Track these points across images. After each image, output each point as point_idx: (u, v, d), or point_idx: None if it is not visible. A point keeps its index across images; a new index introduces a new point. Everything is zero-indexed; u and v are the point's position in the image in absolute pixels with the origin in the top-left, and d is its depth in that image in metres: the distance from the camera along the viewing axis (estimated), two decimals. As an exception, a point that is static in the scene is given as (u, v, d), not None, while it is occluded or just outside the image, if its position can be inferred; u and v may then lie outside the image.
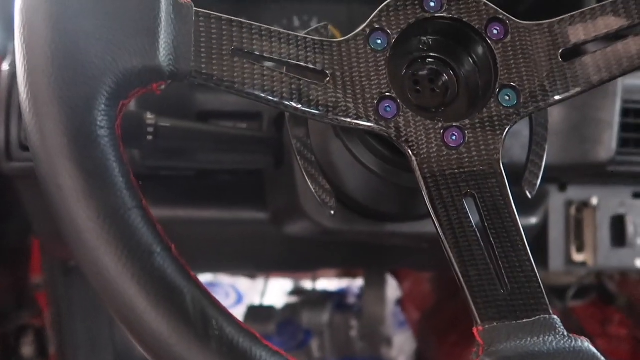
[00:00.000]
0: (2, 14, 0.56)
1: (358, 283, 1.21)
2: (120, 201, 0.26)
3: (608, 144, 0.53)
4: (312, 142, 0.38)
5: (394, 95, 0.32)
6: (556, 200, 0.62)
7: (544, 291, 0.29)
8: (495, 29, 0.33)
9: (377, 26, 0.32)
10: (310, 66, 0.31)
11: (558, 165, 0.52)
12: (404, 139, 0.31)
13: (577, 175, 0.60)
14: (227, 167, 0.53)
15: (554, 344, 0.27)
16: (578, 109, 0.53)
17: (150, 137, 0.44)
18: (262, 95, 0.30)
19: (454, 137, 0.31)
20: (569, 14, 0.33)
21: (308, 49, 0.31)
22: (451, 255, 0.29)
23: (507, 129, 0.32)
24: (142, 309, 0.25)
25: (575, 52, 0.34)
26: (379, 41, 0.32)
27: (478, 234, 0.30)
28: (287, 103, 0.31)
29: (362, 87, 0.31)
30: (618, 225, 0.63)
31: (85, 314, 0.76)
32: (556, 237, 0.63)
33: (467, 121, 0.32)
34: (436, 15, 0.33)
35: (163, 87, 0.29)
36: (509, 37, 0.33)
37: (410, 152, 0.31)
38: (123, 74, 0.27)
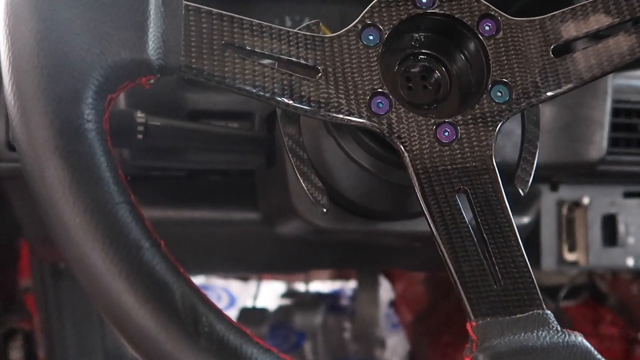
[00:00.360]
0: None
1: (351, 285, 1.21)
2: (107, 196, 0.25)
3: (599, 144, 0.53)
4: (304, 140, 0.38)
5: (386, 91, 0.31)
6: (548, 200, 0.62)
7: (537, 287, 0.29)
8: (487, 25, 0.33)
9: (369, 22, 0.32)
10: (302, 62, 0.31)
11: (549, 165, 0.52)
12: (396, 135, 0.31)
13: (568, 174, 0.60)
14: (218, 166, 0.53)
15: (547, 338, 0.27)
16: (569, 108, 0.53)
17: (140, 136, 0.44)
18: (253, 90, 0.30)
19: (446, 133, 0.31)
20: (560, 11, 0.33)
21: (300, 45, 0.31)
22: (444, 251, 0.29)
23: (499, 125, 0.32)
24: (130, 306, 0.25)
25: (566, 48, 0.34)
26: (371, 37, 0.32)
27: (471, 230, 0.30)
28: (278, 99, 0.31)
29: (354, 83, 0.31)
30: (609, 225, 0.64)
31: (75, 317, 0.75)
32: (548, 236, 0.63)
33: (459, 117, 0.32)
34: (428, 11, 0.33)
35: (152, 81, 0.28)
36: (501, 33, 0.33)
37: (403, 148, 0.31)
38: (111, 67, 0.27)
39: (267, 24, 0.31)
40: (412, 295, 1.12)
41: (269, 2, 0.56)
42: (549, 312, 0.28)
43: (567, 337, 0.27)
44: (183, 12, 0.29)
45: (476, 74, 0.33)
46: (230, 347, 0.25)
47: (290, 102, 0.31)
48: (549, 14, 0.33)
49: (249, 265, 0.72)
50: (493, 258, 0.29)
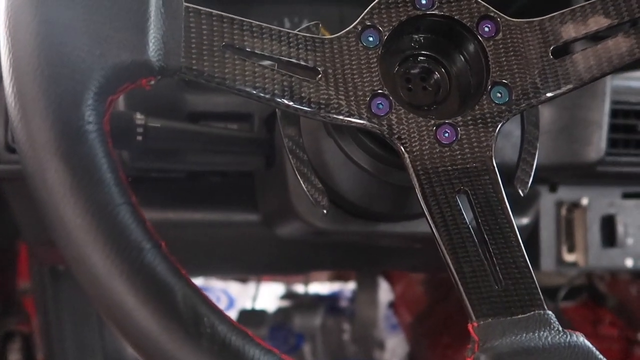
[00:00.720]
0: None
1: (350, 286, 1.21)
2: (108, 197, 0.25)
3: (597, 145, 0.53)
4: (304, 141, 0.38)
5: (386, 92, 0.31)
6: (547, 201, 0.63)
7: (538, 287, 0.29)
8: (487, 27, 0.33)
9: (368, 23, 0.32)
10: (302, 63, 0.31)
11: (548, 166, 0.52)
12: (396, 136, 0.31)
13: (567, 175, 0.60)
14: (218, 168, 0.53)
15: (549, 339, 0.27)
16: (567, 110, 0.53)
17: (139, 138, 0.44)
18: (254, 92, 0.30)
19: (446, 134, 0.31)
20: (560, 12, 0.34)
21: (300, 46, 0.31)
22: (445, 251, 0.29)
23: (499, 126, 0.32)
24: (131, 307, 0.25)
25: (565, 49, 0.34)
26: (371, 38, 0.32)
27: (472, 230, 0.30)
28: (278, 100, 0.31)
29: (354, 84, 0.31)
30: (608, 226, 0.64)
31: (74, 320, 0.75)
32: (547, 237, 0.63)
33: (459, 118, 0.32)
34: (427, 12, 0.33)
35: (152, 82, 0.28)
36: (500, 34, 0.33)
37: (403, 149, 0.31)
38: (112, 68, 0.27)
39: (267, 25, 0.31)
40: (412, 297, 1.12)
41: (267, 4, 0.56)
42: (550, 312, 0.28)
43: (568, 337, 0.27)
44: (183, 13, 0.29)
45: (476, 75, 0.34)
46: (232, 348, 0.25)
47: (291, 103, 0.31)
48: (548, 15, 0.33)
49: (249, 266, 0.72)
50: (494, 258, 0.29)
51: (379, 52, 0.32)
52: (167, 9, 0.29)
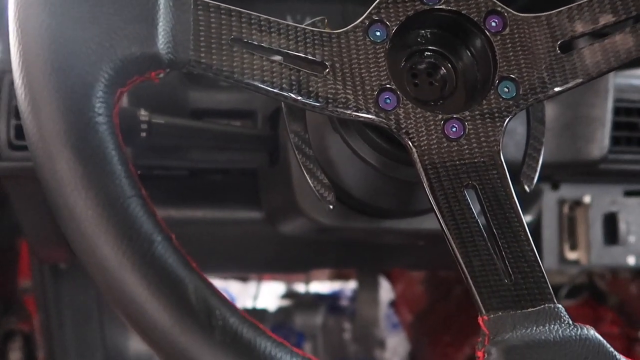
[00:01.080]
0: None
1: (351, 285, 1.21)
2: (119, 189, 0.25)
3: (600, 142, 0.54)
4: (310, 137, 0.38)
5: (393, 87, 0.31)
6: (549, 199, 0.63)
7: (547, 281, 0.29)
8: (494, 21, 0.33)
9: (376, 18, 0.32)
10: (310, 57, 0.31)
11: (551, 163, 0.52)
12: (404, 130, 0.31)
13: (569, 173, 0.60)
14: (222, 165, 0.53)
15: (559, 332, 0.27)
16: (570, 107, 0.53)
17: (144, 134, 0.44)
18: (261, 85, 0.30)
19: (454, 129, 0.31)
20: (567, 7, 0.34)
21: (307, 40, 0.31)
22: (454, 246, 0.29)
23: (506, 121, 0.32)
24: (142, 299, 0.24)
25: (572, 44, 0.34)
26: (378, 33, 0.32)
27: (480, 225, 0.30)
28: (286, 94, 0.30)
29: (362, 79, 0.31)
30: (610, 223, 0.64)
31: (75, 318, 0.74)
32: (549, 235, 0.63)
33: (467, 113, 0.32)
34: (435, 7, 0.33)
35: (161, 75, 0.28)
36: (508, 29, 0.33)
37: (411, 144, 0.31)
38: (121, 61, 0.27)
39: (275, 19, 0.31)
40: (412, 296, 1.12)
41: (270, 2, 0.56)
42: (560, 306, 0.28)
43: (579, 330, 0.27)
44: (192, 6, 0.29)
45: (482, 70, 0.33)
46: (244, 340, 0.25)
47: (299, 97, 0.31)
48: (556, 10, 0.33)
49: (251, 264, 0.72)
50: (503, 253, 0.29)
51: (386, 47, 0.32)
52: (176, 2, 0.29)
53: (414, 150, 0.31)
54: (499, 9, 0.33)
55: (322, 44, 0.31)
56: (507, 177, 0.31)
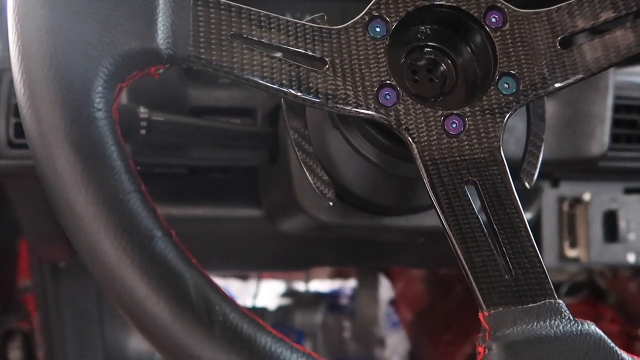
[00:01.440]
0: None
1: (351, 284, 1.21)
2: (119, 185, 0.25)
3: (600, 139, 0.54)
4: (310, 134, 0.38)
5: (393, 83, 0.31)
6: (549, 197, 0.63)
7: (548, 276, 0.29)
8: (494, 17, 0.33)
9: (376, 14, 0.32)
10: (310, 53, 0.31)
11: (551, 160, 0.52)
12: (404, 126, 0.31)
13: (569, 170, 0.60)
14: (221, 163, 0.53)
15: (560, 327, 0.27)
16: (570, 104, 0.53)
17: (143, 132, 0.44)
18: (261, 81, 0.30)
19: (454, 125, 0.31)
20: (567, 2, 0.33)
21: (307, 36, 0.31)
22: (454, 242, 0.29)
23: (507, 117, 0.32)
24: (142, 295, 0.24)
25: (573, 39, 0.34)
26: (378, 29, 0.32)
27: (481, 220, 0.30)
28: (286, 90, 0.30)
29: (362, 75, 0.31)
30: (610, 221, 0.64)
31: (74, 317, 0.74)
32: (549, 233, 0.63)
33: (467, 109, 0.32)
34: (435, 3, 0.33)
35: (161, 71, 0.28)
36: (508, 25, 0.33)
37: (411, 140, 0.31)
38: (121, 56, 0.27)
39: (275, 15, 0.31)
40: (412, 294, 1.12)
41: None
42: (560, 301, 0.28)
43: (580, 325, 0.27)
44: (192, 2, 0.29)
45: (482, 66, 0.33)
46: (245, 336, 0.25)
47: (299, 93, 0.31)
48: (556, 6, 0.33)
49: (251, 262, 0.72)
50: (503, 248, 0.29)
51: (386, 43, 0.32)
52: None
53: (414, 146, 0.31)
54: (499, 4, 0.33)
55: (322, 40, 0.31)
56: (507, 173, 0.31)
